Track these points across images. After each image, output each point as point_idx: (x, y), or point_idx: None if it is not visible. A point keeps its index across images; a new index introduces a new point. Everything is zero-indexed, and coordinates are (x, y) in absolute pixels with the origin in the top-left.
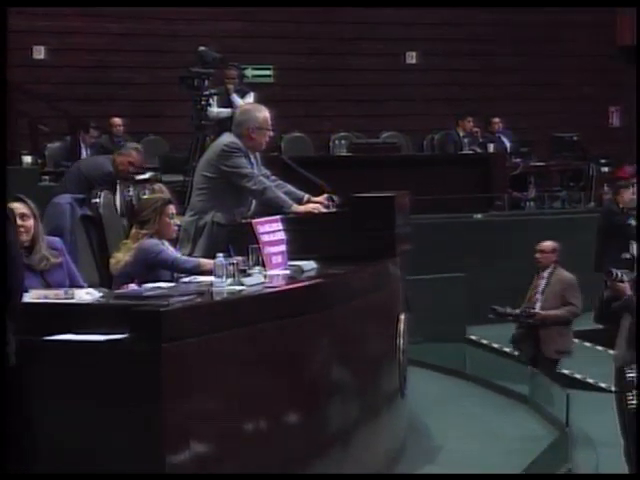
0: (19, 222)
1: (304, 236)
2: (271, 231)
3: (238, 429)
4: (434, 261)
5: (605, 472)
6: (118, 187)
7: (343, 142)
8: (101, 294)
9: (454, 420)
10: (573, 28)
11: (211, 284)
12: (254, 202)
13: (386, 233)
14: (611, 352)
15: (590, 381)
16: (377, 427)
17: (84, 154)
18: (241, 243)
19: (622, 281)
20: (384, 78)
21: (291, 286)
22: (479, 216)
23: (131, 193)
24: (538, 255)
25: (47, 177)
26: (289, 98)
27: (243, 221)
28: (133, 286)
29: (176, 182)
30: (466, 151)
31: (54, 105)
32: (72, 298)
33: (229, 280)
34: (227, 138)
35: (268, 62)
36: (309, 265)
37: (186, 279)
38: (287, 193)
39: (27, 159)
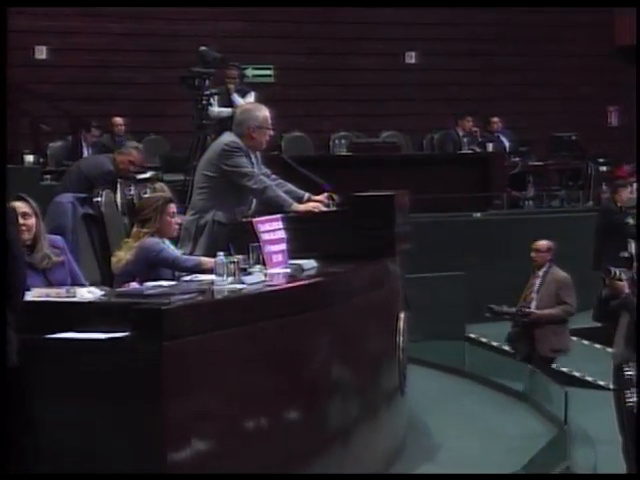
0: (21, 221)
1: (304, 235)
2: (271, 230)
3: (238, 427)
4: (433, 260)
5: (604, 469)
6: (119, 186)
7: (343, 141)
8: (102, 292)
9: (453, 418)
10: (572, 28)
11: (212, 282)
12: (255, 201)
13: (386, 232)
14: (609, 350)
15: (588, 379)
16: (377, 425)
17: (85, 153)
18: (242, 242)
19: (620, 279)
20: (384, 78)
21: (291, 285)
22: (478, 215)
23: (132, 192)
24: (533, 254)
25: (49, 176)
26: (289, 98)
27: (244, 220)
28: (134, 284)
29: (177, 181)
30: (465, 150)
31: (56, 105)
32: (74, 296)
33: (230, 279)
34: (228, 137)
35: (268, 62)
36: (309, 264)
37: (187, 278)
38: (287, 192)
39: (29, 158)
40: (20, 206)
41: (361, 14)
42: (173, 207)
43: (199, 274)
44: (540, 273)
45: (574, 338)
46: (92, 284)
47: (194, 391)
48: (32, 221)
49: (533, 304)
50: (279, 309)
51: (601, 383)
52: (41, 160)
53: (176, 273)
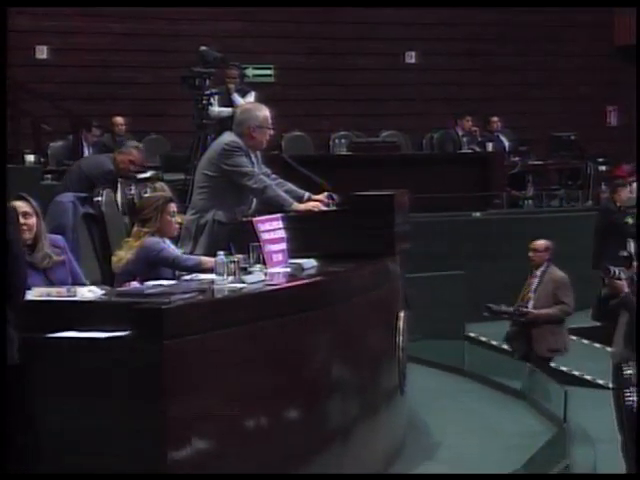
0: (21, 220)
1: (304, 234)
2: (272, 229)
3: (239, 426)
4: (433, 259)
5: (603, 468)
6: (120, 185)
7: (343, 141)
8: (103, 292)
9: (453, 416)
10: (571, 28)
11: (212, 282)
12: (255, 200)
13: (386, 231)
14: (609, 349)
15: (588, 378)
16: (377, 424)
17: (86, 153)
18: (242, 241)
19: (619, 279)
20: (384, 78)
21: (291, 284)
22: (478, 214)
23: (133, 191)
24: (531, 254)
25: (50, 176)
26: (289, 97)
27: (244, 219)
28: (135, 284)
29: (177, 181)
30: (465, 150)
31: (56, 104)
32: (74, 296)
33: (230, 278)
34: (228, 137)
35: (269, 62)
36: (309, 263)
37: (187, 277)
38: (287, 191)
39: (30, 158)
40: (21, 205)
41: (361, 14)
42: (173, 206)
43: (199, 273)
44: (538, 273)
45: (573, 337)
46: (93, 283)
47: (194, 390)
48: (33, 220)
49: (531, 304)
50: (279, 308)
51: (600, 382)
52: (42, 160)
53: (176, 272)
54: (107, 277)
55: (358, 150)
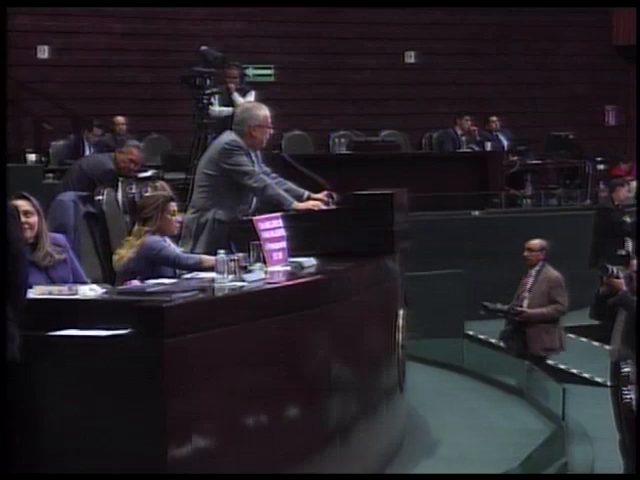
0: (23, 219)
1: (304, 233)
2: (272, 228)
3: (239, 424)
4: (432, 258)
5: (601, 466)
6: (120, 185)
7: (343, 140)
8: (104, 290)
9: (452, 414)
10: (570, 28)
11: (213, 280)
12: (255, 199)
13: (385, 230)
14: (607, 347)
15: (586, 375)
16: (376, 421)
17: (87, 152)
18: (242, 240)
19: (617, 277)
20: (383, 77)
21: (291, 282)
22: (477, 213)
23: (133, 191)
24: (526, 253)
25: (51, 175)
26: (289, 97)
27: (244, 218)
28: (136, 282)
29: (178, 180)
30: (464, 149)
31: (58, 104)
32: (76, 294)
33: (230, 276)
34: (228, 136)
35: (269, 61)
36: (309, 261)
37: (188, 275)
38: (287, 190)
39: (31, 157)
40: (22, 204)
41: (361, 14)
42: (174, 205)
43: (200, 272)
44: (533, 272)
45: (572, 335)
46: (94, 282)
47: (195, 388)
48: (34, 219)
49: (525, 303)
50: (279, 307)
51: (598, 380)
52: (43, 159)
53: (177, 271)
54: (108, 275)
55: (358, 149)
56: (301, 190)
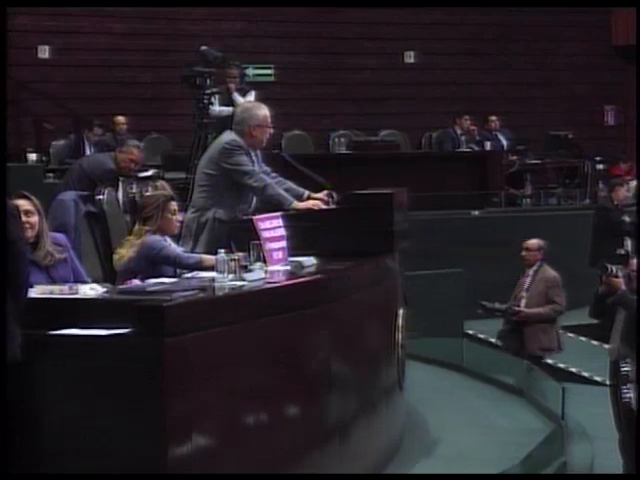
0: (24, 218)
1: (304, 232)
2: (272, 227)
3: (239, 423)
4: (432, 257)
5: (600, 464)
6: (121, 184)
7: (342, 140)
8: (105, 289)
9: (452, 413)
10: (569, 28)
11: (213, 280)
12: (255, 199)
13: (385, 229)
14: (606, 346)
15: (585, 374)
16: (376, 420)
17: (88, 152)
18: (242, 239)
19: (616, 276)
20: (383, 77)
21: (291, 281)
22: (476, 213)
23: (134, 190)
24: (524, 253)
25: (52, 174)
26: (289, 97)
27: (244, 218)
28: (136, 281)
29: (178, 179)
30: (463, 149)
31: (59, 103)
32: (76, 293)
33: (231, 276)
34: (228, 136)
35: (269, 61)
36: (309, 261)
37: (188, 275)
38: (287, 190)
39: (32, 156)
40: (23, 204)
41: (360, 14)
42: (174, 205)
43: (200, 271)
44: (530, 272)
45: (571, 334)
46: (94, 281)
47: (195, 387)
48: (35, 219)
49: (523, 302)
50: (279, 306)
51: (598, 379)
52: (44, 158)
53: (177, 270)
54: (109, 275)
55: (357, 149)
56: (301, 190)
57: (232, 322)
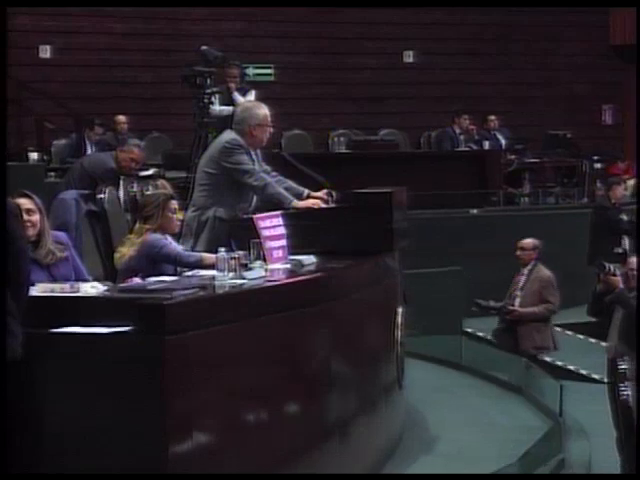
0: (25, 217)
1: (304, 231)
2: (272, 226)
3: (239, 421)
4: (431, 255)
5: (598, 461)
6: (122, 183)
7: (342, 139)
8: (106, 288)
9: (451, 411)
10: (567, 27)
11: (213, 278)
12: (255, 198)
13: (384, 228)
14: (604, 344)
15: (583, 372)
16: (375, 418)
17: (89, 151)
18: (242, 238)
19: (614, 275)
20: (382, 77)
21: (291, 280)
22: (475, 211)
23: (135, 189)
24: (519, 252)
25: (53, 173)
26: (289, 96)
27: (244, 216)
28: (137, 280)
29: (179, 178)
30: (462, 148)
31: (60, 103)
32: (77, 292)
33: (231, 274)
34: (228, 135)
35: (269, 61)
36: (309, 259)
37: (189, 273)
38: (287, 189)
39: (33, 156)
40: (24, 203)
41: (360, 14)
42: (175, 204)
43: (201, 270)
44: (525, 271)
45: (569, 332)
46: (95, 279)
47: (195, 385)
48: (36, 217)
49: (517, 301)
50: (279, 304)
51: (595, 376)
52: (45, 157)
53: (178, 269)
54: (110, 273)
55: (357, 148)
56: (301, 188)
57: (232, 320)
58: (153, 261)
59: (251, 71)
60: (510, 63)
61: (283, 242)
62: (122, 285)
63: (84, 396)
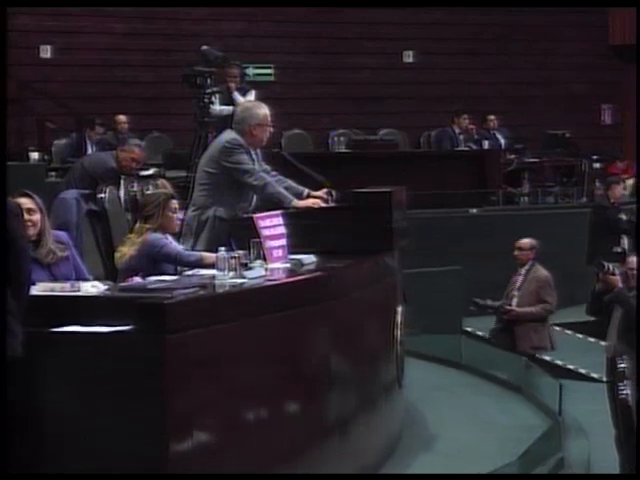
0: (26, 217)
1: (304, 230)
2: (272, 225)
3: (239, 419)
4: (431, 255)
5: (597, 460)
6: (122, 183)
7: (342, 139)
8: (106, 287)
9: (450, 409)
10: (566, 27)
11: (213, 277)
12: (255, 197)
13: (384, 227)
14: (603, 343)
15: (582, 371)
16: (375, 416)
17: (90, 151)
18: (242, 237)
19: (613, 274)
20: (382, 76)
21: (291, 279)
22: (474, 211)
23: (135, 189)
24: (516, 252)
25: (54, 173)
26: (289, 96)
27: (244, 216)
28: (137, 279)
29: (179, 178)
30: (462, 148)
31: (61, 103)
32: (78, 291)
33: (231, 273)
34: (228, 135)
35: (269, 61)
36: (309, 259)
37: (189, 272)
38: (287, 188)
39: (34, 155)
40: (25, 202)
41: (360, 14)
42: (175, 203)
43: (201, 269)
44: (522, 271)
45: (568, 332)
46: (96, 279)
47: (195, 384)
48: (37, 217)
49: (514, 301)
50: (279, 303)
51: (595, 375)
52: (46, 157)
53: (178, 268)
54: (110, 272)
55: (357, 148)
56: (301, 188)
57: (232, 319)
58: (153, 260)
59: (251, 71)
60: (510, 63)
61: (283, 241)
62: (122, 284)
63: (84, 395)
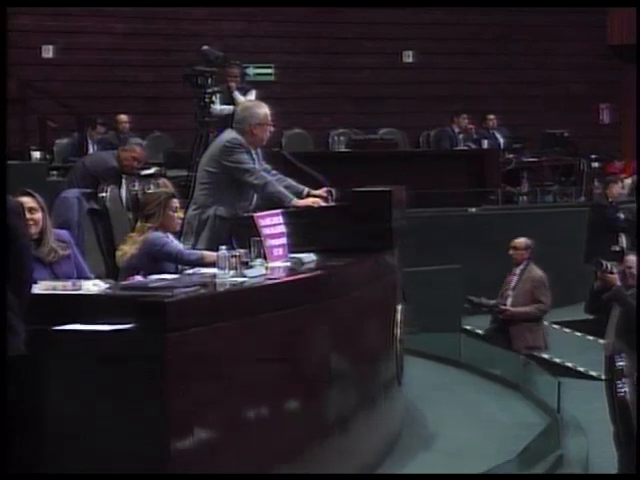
0: (28, 215)
1: (304, 229)
2: (272, 224)
3: (240, 417)
4: (430, 254)
5: (595, 458)
6: (123, 182)
7: (342, 138)
8: (107, 285)
9: (449, 408)
10: (565, 27)
11: (214, 276)
12: (255, 196)
13: (384, 226)
14: (601, 341)
15: (581, 369)
16: (375, 415)
17: (91, 150)
18: (243, 236)
19: (612, 272)
20: (382, 76)
21: (292, 278)
22: (473, 210)
23: (136, 188)
24: (511, 252)
25: (55, 172)
26: (289, 95)
27: (245, 215)
28: (138, 278)
29: (180, 177)
30: (461, 147)
31: (62, 102)
32: (79, 289)
33: (232, 272)
34: (229, 134)
35: (269, 61)
36: (309, 257)
37: (190, 271)
38: (287, 187)
39: (36, 154)
40: (27, 201)
41: (360, 14)
42: (176, 202)
43: (202, 267)
44: (517, 270)
45: (567, 330)
46: (97, 277)
47: (197, 381)
48: (39, 215)
49: (509, 301)
50: (280, 302)
51: (593, 373)
52: (48, 156)
53: (179, 267)
54: (111, 271)
55: (357, 147)
56: (301, 187)
57: (233, 318)
58: (154, 259)
59: (251, 71)
60: (509, 63)
61: (283, 240)
62: (124, 283)
63: (85, 393)
